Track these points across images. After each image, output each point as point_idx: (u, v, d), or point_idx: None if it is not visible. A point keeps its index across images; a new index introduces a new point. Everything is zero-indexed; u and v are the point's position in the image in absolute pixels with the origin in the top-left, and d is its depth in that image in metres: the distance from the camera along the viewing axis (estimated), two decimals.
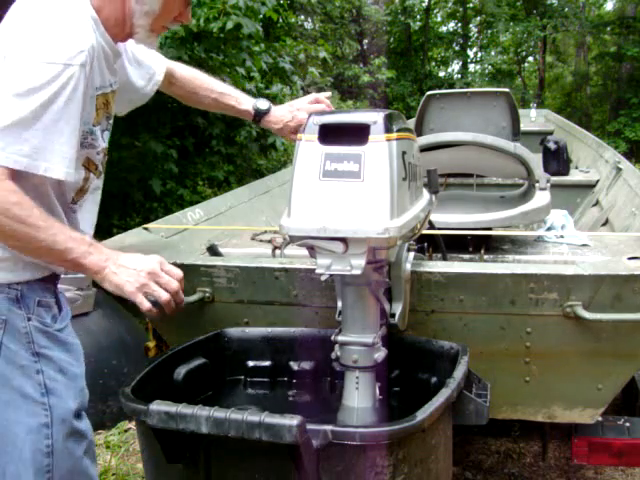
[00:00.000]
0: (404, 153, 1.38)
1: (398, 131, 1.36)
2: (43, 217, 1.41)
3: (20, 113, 1.34)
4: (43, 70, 1.37)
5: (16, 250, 1.46)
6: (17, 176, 1.37)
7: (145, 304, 1.47)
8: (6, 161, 1.34)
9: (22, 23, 1.43)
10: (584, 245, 2.50)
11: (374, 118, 1.33)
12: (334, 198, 1.31)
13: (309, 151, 1.35)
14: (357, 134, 1.32)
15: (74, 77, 1.39)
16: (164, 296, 1.49)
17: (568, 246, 2.52)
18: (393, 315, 1.60)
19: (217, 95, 2.01)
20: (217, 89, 2.01)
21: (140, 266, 1.49)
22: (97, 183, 1.68)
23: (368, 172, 1.30)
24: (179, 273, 1.54)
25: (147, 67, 1.84)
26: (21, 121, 1.34)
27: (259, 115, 2.02)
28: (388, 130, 1.33)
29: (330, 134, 1.35)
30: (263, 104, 2.01)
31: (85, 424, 1.61)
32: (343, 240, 1.31)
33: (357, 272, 1.32)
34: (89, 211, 1.67)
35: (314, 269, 1.37)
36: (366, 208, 1.30)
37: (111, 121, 1.67)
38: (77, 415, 1.58)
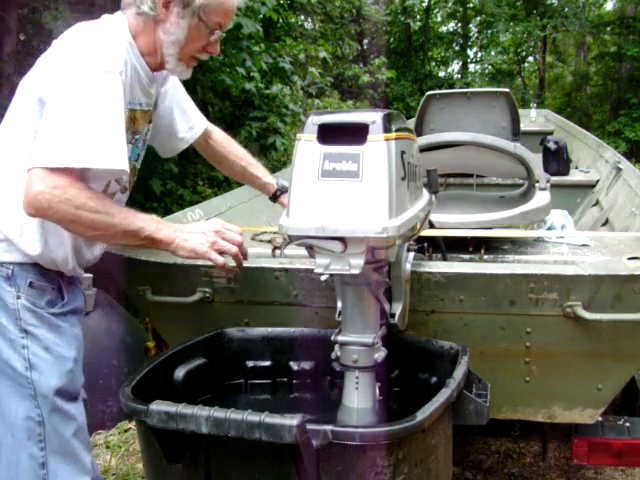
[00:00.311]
0: (403, 153, 1.38)
1: (397, 131, 1.36)
2: (112, 204, 1.60)
3: (77, 117, 1.50)
4: (89, 79, 1.53)
5: (96, 240, 1.67)
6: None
7: (219, 259, 1.60)
8: (74, 162, 1.47)
9: (69, 45, 1.61)
10: (584, 245, 2.50)
11: (373, 118, 1.33)
12: (333, 198, 1.31)
13: (308, 151, 1.35)
14: (356, 134, 1.32)
15: (116, 82, 1.56)
16: (233, 249, 1.63)
17: (568, 246, 2.52)
18: (393, 315, 1.60)
19: (246, 164, 2.15)
20: (247, 159, 2.15)
21: (206, 228, 1.63)
22: (119, 197, 1.81)
23: (367, 172, 1.30)
24: (238, 228, 1.68)
25: (190, 119, 2.01)
26: (79, 124, 1.50)
27: (280, 191, 2.17)
28: (387, 130, 1.32)
29: (329, 134, 1.34)
30: (285, 183, 2.15)
31: (74, 407, 1.70)
32: (342, 240, 1.31)
33: (356, 272, 1.32)
34: None
35: (314, 269, 1.37)
36: (365, 208, 1.30)
37: (137, 136, 1.79)
38: (61, 394, 1.67)
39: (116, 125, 1.55)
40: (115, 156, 1.53)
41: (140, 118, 1.77)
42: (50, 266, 1.69)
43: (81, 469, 1.70)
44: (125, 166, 1.55)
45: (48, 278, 1.69)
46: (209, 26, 1.68)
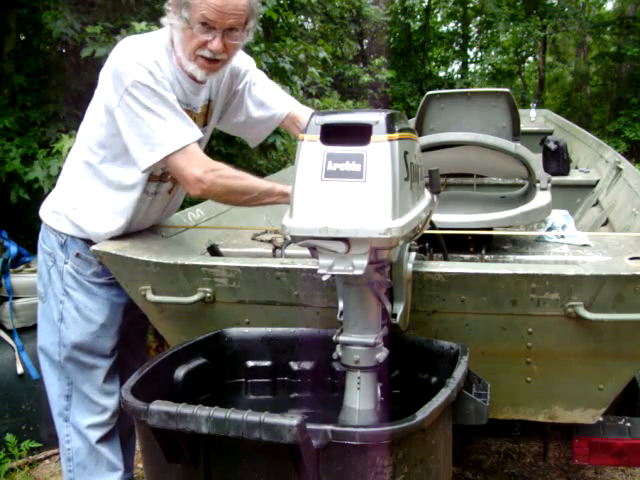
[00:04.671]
0: (406, 153, 1.38)
1: (400, 131, 1.36)
2: (242, 172, 1.96)
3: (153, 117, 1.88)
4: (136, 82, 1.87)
5: (247, 204, 1.98)
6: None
7: None
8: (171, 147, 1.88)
9: (113, 56, 1.91)
10: (585, 245, 2.50)
11: (376, 118, 1.33)
12: (336, 198, 1.31)
13: (311, 151, 1.35)
14: (359, 134, 1.32)
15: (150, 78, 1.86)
16: None
17: (569, 246, 2.52)
18: (395, 315, 1.59)
19: None
20: None
21: None
22: (166, 186, 2.11)
23: (370, 172, 1.30)
24: None
25: (269, 109, 2.18)
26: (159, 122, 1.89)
27: None
28: (390, 130, 1.32)
29: (332, 134, 1.34)
30: None
31: (94, 360, 2.11)
32: (345, 240, 1.30)
33: (359, 272, 1.31)
34: (156, 209, 2.16)
35: (315, 269, 1.36)
36: (368, 208, 1.29)
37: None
38: (79, 348, 2.09)
39: (176, 111, 1.87)
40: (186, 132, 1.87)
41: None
42: (99, 241, 2.03)
43: (93, 410, 2.13)
44: (197, 134, 1.90)
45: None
46: (191, 22, 1.83)
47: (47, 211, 2.14)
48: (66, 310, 2.09)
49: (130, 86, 1.83)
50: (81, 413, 2.14)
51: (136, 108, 1.84)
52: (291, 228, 1.35)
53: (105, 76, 1.92)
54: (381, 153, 1.31)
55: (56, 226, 2.09)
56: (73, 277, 2.08)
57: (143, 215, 2.12)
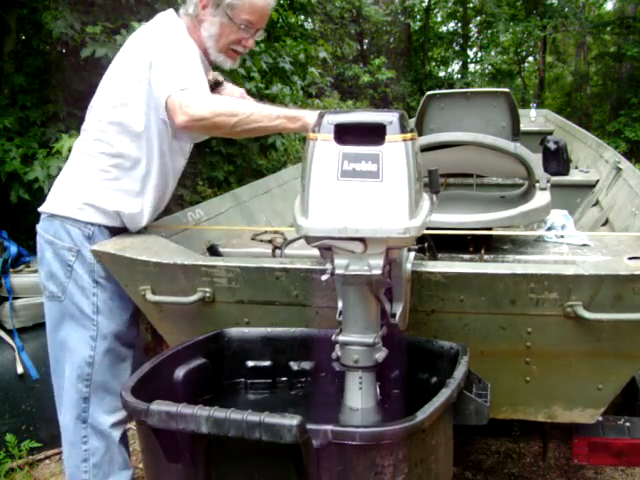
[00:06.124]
0: (416, 153, 1.39)
1: (411, 131, 1.37)
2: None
3: (177, 60, 1.96)
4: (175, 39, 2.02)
5: (239, 128, 1.86)
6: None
7: None
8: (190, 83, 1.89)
9: (152, 32, 2.05)
10: (584, 245, 2.50)
11: (389, 118, 1.34)
12: (353, 198, 1.31)
13: (326, 151, 1.35)
14: (372, 134, 1.32)
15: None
16: None
17: (568, 246, 2.52)
18: (394, 315, 1.60)
19: None
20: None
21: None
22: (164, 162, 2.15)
23: (387, 172, 1.30)
24: None
25: None
26: (181, 63, 1.96)
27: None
28: (404, 130, 1.33)
29: (345, 134, 1.34)
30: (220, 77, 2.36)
31: (127, 352, 2.13)
32: (362, 240, 1.31)
33: (377, 272, 1.32)
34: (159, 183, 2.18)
35: (315, 269, 1.37)
36: (386, 208, 1.30)
37: None
38: (118, 338, 2.10)
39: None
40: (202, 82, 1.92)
41: None
42: (132, 227, 2.12)
43: (118, 406, 2.04)
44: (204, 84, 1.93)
45: None
46: (237, 22, 2.02)
47: (66, 205, 2.08)
48: (101, 301, 2.07)
49: (165, 30, 2.02)
50: (105, 412, 2.10)
51: (166, 48, 1.96)
52: (308, 229, 1.34)
53: (139, 36, 2.05)
54: (397, 153, 1.32)
55: (82, 217, 2.06)
56: (104, 267, 2.06)
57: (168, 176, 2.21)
